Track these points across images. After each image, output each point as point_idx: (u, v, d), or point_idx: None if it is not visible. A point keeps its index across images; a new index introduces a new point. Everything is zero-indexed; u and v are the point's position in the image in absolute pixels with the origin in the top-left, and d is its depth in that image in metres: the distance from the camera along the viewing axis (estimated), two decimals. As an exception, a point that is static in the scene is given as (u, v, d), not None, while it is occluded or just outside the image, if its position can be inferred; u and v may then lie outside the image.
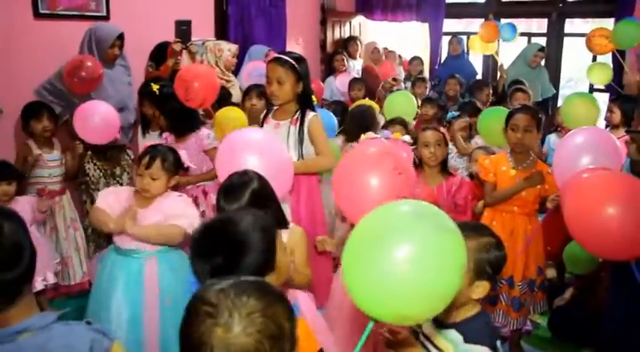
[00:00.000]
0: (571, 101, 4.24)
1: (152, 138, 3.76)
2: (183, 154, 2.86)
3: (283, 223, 2.30)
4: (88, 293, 2.90)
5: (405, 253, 1.23)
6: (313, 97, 3.38)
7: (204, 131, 3.67)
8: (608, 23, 7.23)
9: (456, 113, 4.63)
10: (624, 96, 4.94)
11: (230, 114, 4.13)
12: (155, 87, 3.82)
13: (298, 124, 3.17)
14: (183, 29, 4.49)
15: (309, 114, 3.19)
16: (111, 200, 2.71)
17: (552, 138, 4.93)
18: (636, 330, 2.36)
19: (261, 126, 3.30)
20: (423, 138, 3.19)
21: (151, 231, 2.64)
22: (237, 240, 1.58)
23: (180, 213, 2.69)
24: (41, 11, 4.32)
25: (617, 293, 2.55)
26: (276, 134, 3.16)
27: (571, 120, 4.13)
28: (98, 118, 3.61)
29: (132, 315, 2.61)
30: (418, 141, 3.24)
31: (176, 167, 2.79)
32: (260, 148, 2.70)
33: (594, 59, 7.43)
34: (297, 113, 3.19)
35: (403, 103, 5.06)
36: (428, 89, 6.65)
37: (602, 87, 6.82)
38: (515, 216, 3.11)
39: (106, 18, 4.75)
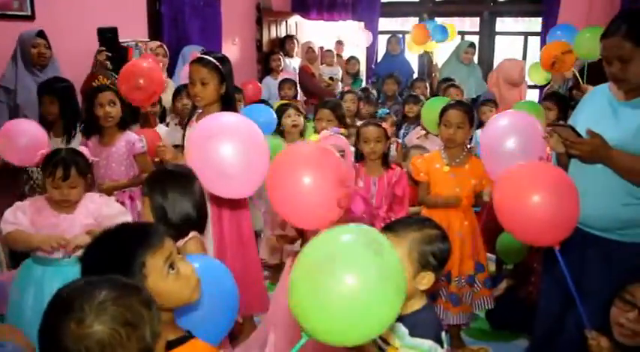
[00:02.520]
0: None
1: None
2: (84, 150, 2.75)
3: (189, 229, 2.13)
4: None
5: (351, 280, 1.24)
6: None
7: (134, 135, 3.55)
8: (536, 22, 7.53)
9: (387, 110, 4.72)
10: (556, 93, 5.09)
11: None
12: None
13: None
14: (109, 37, 4.35)
15: None
16: (20, 217, 2.57)
17: (479, 133, 5.04)
18: (568, 317, 2.43)
19: (185, 129, 3.20)
20: (364, 134, 3.23)
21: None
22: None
23: (115, 212, 2.63)
24: (-43, 9, 4.12)
25: (548, 282, 2.63)
26: None
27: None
28: (25, 140, 3.19)
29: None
30: (357, 135, 3.29)
31: (88, 166, 2.69)
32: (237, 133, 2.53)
33: (524, 57, 7.70)
34: None
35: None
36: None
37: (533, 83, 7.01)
38: (450, 213, 3.14)
39: (31, 18, 4.57)
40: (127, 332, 1.09)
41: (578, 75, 4.52)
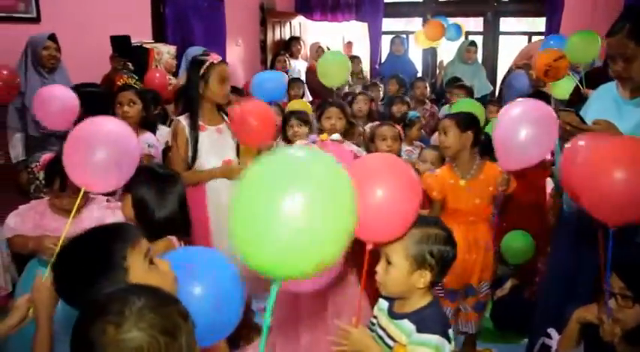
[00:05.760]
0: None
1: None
2: None
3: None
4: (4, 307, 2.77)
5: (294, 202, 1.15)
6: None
7: (148, 136, 3.54)
8: (540, 22, 7.52)
9: (417, 114, 4.63)
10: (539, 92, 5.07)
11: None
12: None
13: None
14: (122, 45, 4.45)
15: None
16: (19, 223, 2.58)
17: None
18: (580, 284, 2.44)
19: (196, 135, 3.11)
20: (381, 132, 3.22)
21: None
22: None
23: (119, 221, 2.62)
24: (-37, 12, 4.15)
25: (561, 248, 2.63)
26: (221, 139, 3.15)
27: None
28: (59, 103, 3.44)
29: (70, 328, 2.51)
30: (372, 135, 3.27)
31: None
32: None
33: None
34: (224, 116, 3.21)
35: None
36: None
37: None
38: (477, 225, 3.01)
39: (36, 20, 4.59)
40: (165, 341, 1.07)
41: (577, 82, 4.50)
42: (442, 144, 3.06)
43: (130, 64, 4.46)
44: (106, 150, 2.10)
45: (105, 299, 1.11)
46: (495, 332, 3.54)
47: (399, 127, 3.35)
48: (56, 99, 3.40)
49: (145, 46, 5.20)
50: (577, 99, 4.09)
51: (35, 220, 2.58)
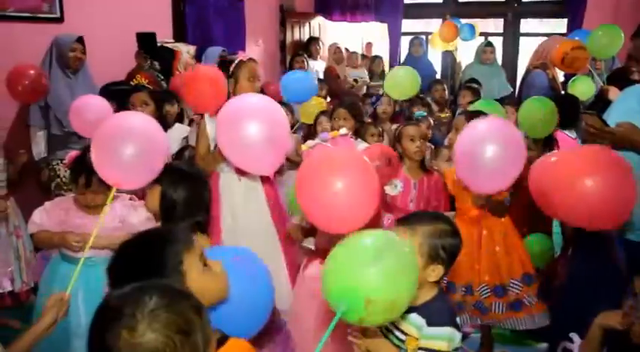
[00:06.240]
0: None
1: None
2: None
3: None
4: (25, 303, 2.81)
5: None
6: None
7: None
8: (562, 24, 7.44)
9: (424, 113, 4.65)
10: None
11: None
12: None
13: None
14: (148, 42, 4.50)
15: None
16: (44, 218, 2.63)
17: None
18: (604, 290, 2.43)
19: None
20: (409, 132, 3.20)
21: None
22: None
23: (142, 219, 2.64)
24: (-10, 12, 4.22)
25: (573, 283, 2.62)
26: None
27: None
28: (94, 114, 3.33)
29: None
30: (400, 135, 3.26)
31: None
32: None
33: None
34: None
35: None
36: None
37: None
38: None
39: (60, 20, 4.65)
40: (180, 339, 1.06)
41: (596, 75, 4.46)
42: (452, 142, 3.08)
43: (156, 63, 4.50)
44: (135, 147, 2.13)
45: (116, 302, 1.10)
46: (511, 335, 3.51)
47: (424, 126, 3.34)
48: (92, 111, 3.32)
49: (166, 45, 5.24)
50: (600, 102, 4.06)
51: (60, 216, 2.63)
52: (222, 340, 1.42)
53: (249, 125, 2.51)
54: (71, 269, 2.58)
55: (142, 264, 1.37)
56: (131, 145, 2.15)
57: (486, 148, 2.26)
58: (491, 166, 2.26)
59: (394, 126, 4.27)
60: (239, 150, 2.59)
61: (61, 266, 2.66)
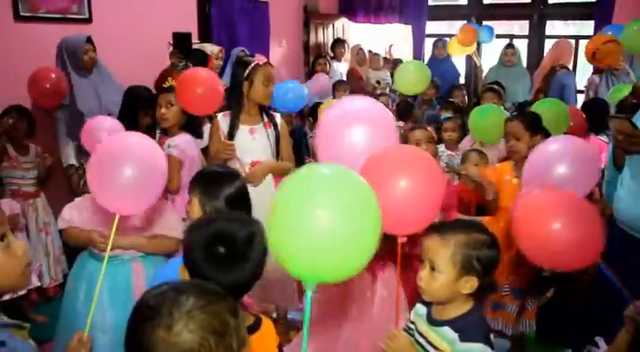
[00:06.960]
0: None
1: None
2: None
3: None
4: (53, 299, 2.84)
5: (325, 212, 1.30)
6: None
7: (175, 138, 3.51)
8: (589, 26, 7.33)
9: (448, 115, 4.64)
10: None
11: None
12: None
13: (272, 127, 3.28)
14: (183, 42, 4.57)
15: (277, 116, 3.34)
16: (74, 215, 2.67)
17: None
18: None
19: (233, 133, 3.24)
20: (414, 137, 3.19)
21: (147, 246, 2.66)
22: (241, 250, 1.51)
23: (172, 224, 2.68)
24: (22, 13, 4.30)
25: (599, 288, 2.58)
26: (252, 140, 3.22)
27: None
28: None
29: (117, 320, 2.58)
30: (406, 140, 3.23)
31: None
32: None
33: (575, 61, 7.49)
34: (264, 116, 3.29)
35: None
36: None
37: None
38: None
39: (89, 21, 4.72)
40: (215, 340, 1.07)
41: (630, 71, 4.37)
42: (511, 149, 3.07)
43: (191, 65, 4.54)
44: (132, 171, 2.04)
45: (154, 301, 1.11)
46: (537, 341, 3.48)
47: (431, 129, 3.33)
48: (103, 131, 3.22)
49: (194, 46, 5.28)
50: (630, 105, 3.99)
51: (88, 213, 2.67)
52: (256, 324, 1.46)
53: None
54: (98, 266, 2.61)
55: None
56: (128, 170, 2.05)
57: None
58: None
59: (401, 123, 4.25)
60: None
61: (89, 263, 2.70)
